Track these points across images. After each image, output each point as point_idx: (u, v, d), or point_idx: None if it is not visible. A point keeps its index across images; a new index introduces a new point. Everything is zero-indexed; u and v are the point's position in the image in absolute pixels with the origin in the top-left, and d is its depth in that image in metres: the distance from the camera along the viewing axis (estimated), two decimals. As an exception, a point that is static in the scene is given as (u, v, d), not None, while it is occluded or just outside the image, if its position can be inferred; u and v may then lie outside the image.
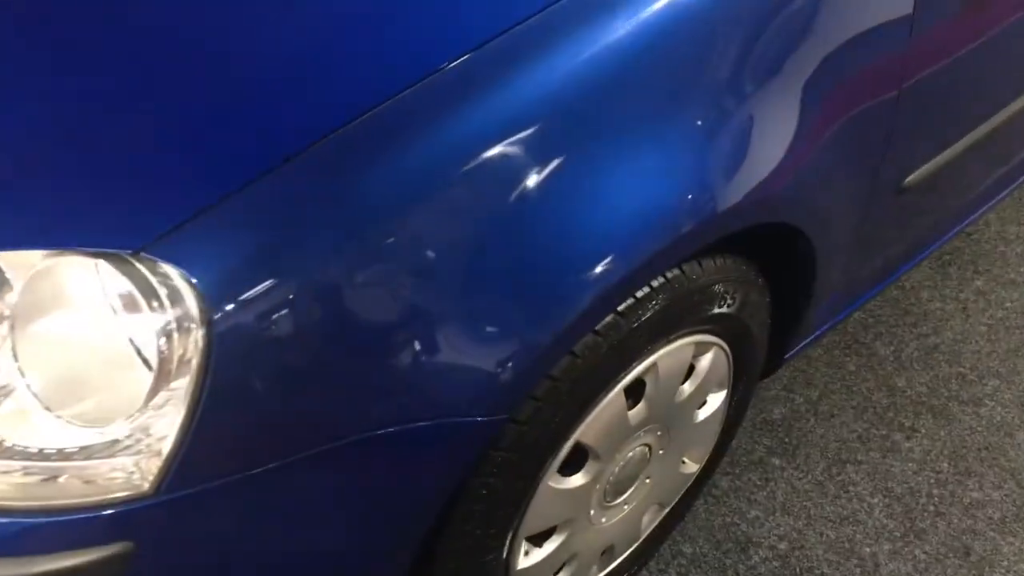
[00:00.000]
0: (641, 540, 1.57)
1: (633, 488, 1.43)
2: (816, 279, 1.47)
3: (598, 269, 1.06)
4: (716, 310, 1.31)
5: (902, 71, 1.36)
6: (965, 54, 1.45)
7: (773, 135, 1.23)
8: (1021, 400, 1.96)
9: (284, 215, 0.92)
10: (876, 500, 1.77)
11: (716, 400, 1.48)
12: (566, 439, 1.20)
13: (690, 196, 1.13)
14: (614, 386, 1.22)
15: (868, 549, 1.69)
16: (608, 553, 1.49)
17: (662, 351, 1.26)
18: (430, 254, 0.97)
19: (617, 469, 1.36)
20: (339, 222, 0.93)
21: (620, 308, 1.15)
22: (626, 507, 1.44)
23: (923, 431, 1.89)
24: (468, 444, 1.06)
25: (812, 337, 1.68)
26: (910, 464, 1.83)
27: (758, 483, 1.79)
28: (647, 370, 1.26)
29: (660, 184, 1.11)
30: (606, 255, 1.06)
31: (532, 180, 1.01)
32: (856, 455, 1.84)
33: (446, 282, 0.98)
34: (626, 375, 1.23)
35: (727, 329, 1.38)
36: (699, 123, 1.14)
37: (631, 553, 1.56)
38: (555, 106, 1.02)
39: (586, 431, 1.22)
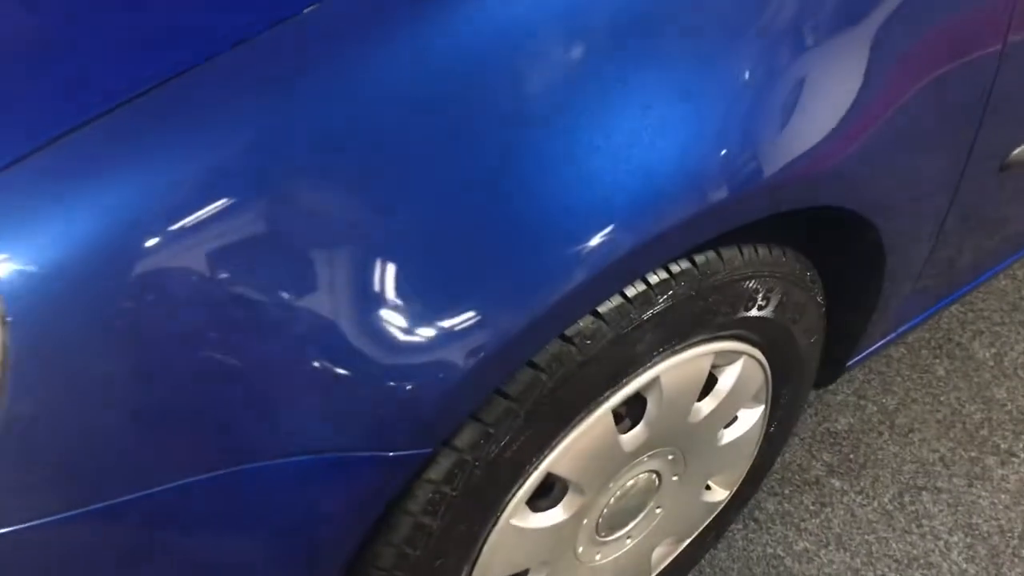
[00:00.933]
0: None
1: (638, 520, 1.18)
2: (885, 278, 1.17)
3: (577, 248, 0.80)
4: (745, 313, 1.04)
5: (1008, 19, 1.04)
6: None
7: (831, 96, 0.94)
8: None
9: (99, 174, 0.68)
10: (955, 539, 1.47)
11: (751, 417, 1.21)
12: (531, 470, 0.95)
13: (719, 158, 0.86)
14: (597, 407, 0.96)
15: (940, 600, 1.40)
16: (608, 593, 1.25)
17: (666, 363, 1.00)
18: (319, 224, 0.73)
19: (613, 500, 1.10)
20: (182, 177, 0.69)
21: (602, 310, 0.89)
22: (629, 541, 1.19)
23: (1022, 456, 1.57)
24: (381, 481, 0.82)
25: (883, 342, 1.38)
26: (1002, 496, 1.52)
27: (812, 508, 1.50)
28: (647, 386, 1.00)
29: (682, 137, 0.84)
30: (593, 226, 0.80)
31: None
32: (936, 481, 1.54)
33: (338, 264, 0.74)
34: (614, 394, 0.97)
35: (762, 335, 1.10)
36: (740, 73, 0.86)
37: (642, 592, 1.31)
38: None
39: (559, 461, 0.97)
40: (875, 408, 1.64)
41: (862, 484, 1.53)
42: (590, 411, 0.96)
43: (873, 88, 0.96)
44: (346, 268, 0.73)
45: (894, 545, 1.46)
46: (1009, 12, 1.03)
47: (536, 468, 0.96)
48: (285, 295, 0.72)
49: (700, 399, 1.10)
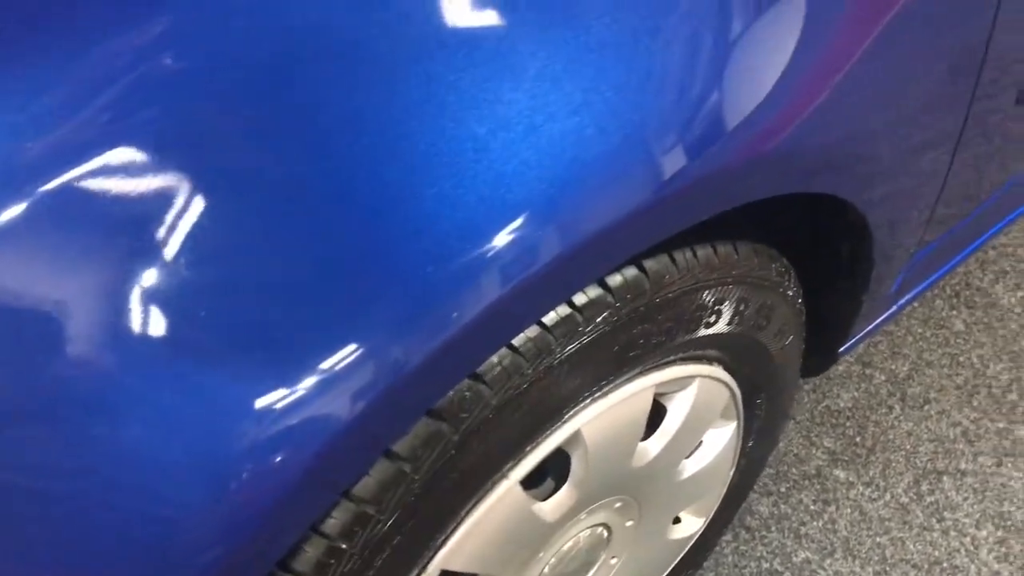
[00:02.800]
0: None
1: (590, 574, 0.96)
2: (875, 262, 0.93)
3: (459, 266, 0.57)
4: (689, 336, 0.80)
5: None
6: None
7: (780, 55, 0.69)
8: None
9: None
10: (984, 533, 1.24)
11: (720, 438, 0.98)
12: (420, 569, 0.74)
13: (634, 148, 0.62)
14: (498, 481, 0.74)
15: (968, 613, 1.18)
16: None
17: (588, 412, 0.77)
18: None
19: (547, 569, 0.89)
20: None
21: (481, 374, 0.66)
22: (581, 599, 0.98)
23: (1059, 423, 1.34)
24: None
25: (883, 318, 1.14)
26: (1039, 476, 1.29)
27: (813, 508, 1.28)
28: (567, 442, 0.77)
29: (586, 122, 0.60)
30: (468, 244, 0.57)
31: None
32: (958, 462, 1.31)
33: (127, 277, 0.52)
34: (519, 461, 0.74)
35: (719, 350, 0.87)
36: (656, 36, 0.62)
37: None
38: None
39: (456, 555, 0.75)
40: (883, 377, 1.41)
41: (871, 473, 1.31)
42: (492, 485, 0.74)
43: (834, 39, 0.72)
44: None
45: (911, 547, 1.24)
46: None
47: (427, 566, 0.74)
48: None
49: (646, 438, 0.87)
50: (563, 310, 0.69)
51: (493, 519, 0.75)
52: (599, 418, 0.78)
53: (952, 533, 1.25)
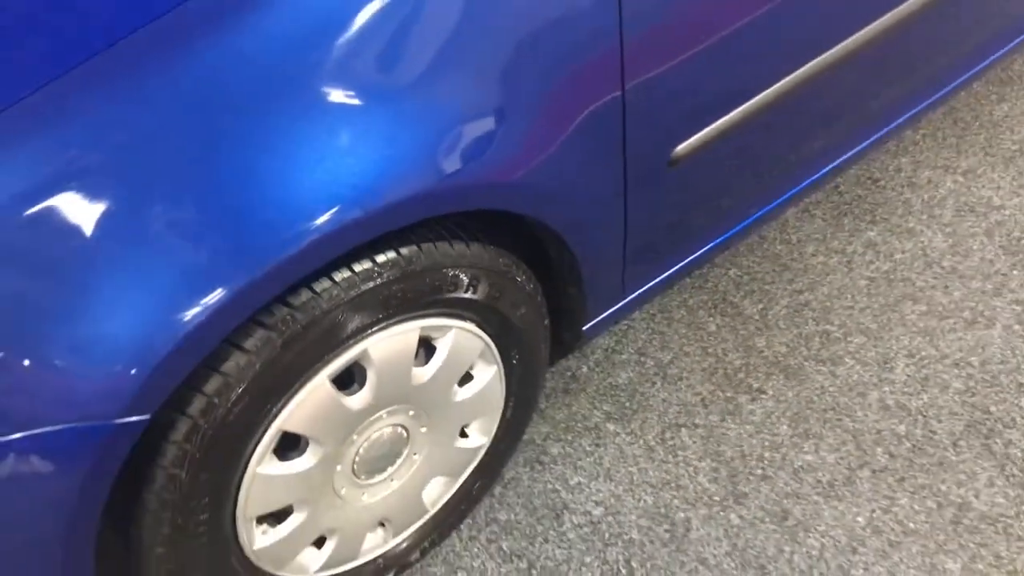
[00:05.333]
0: (435, 511, 1.61)
1: (397, 466, 1.48)
2: (581, 266, 1.46)
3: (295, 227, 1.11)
4: (448, 295, 1.33)
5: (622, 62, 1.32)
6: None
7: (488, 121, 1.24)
8: (884, 358, 1.91)
9: None
10: (703, 464, 1.77)
11: (485, 375, 1.50)
12: (262, 429, 1.26)
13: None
14: (313, 375, 1.26)
15: (682, 514, 1.70)
16: (387, 525, 1.55)
17: (374, 338, 1.30)
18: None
19: (361, 451, 1.40)
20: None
21: (292, 303, 1.19)
22: (394, 483, 1.49)
23: (770, 392, 1.87)
24: (112, 446, 1.11)
25: (618, 307, 1.67)
26: (747, 427, 1.82)
27: (588, 449, 1.81)
28: (362, 356, 1.30)
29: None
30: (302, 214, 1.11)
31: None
32: (694, 419, 1.84)
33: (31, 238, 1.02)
34: (326, 365, 1.27)
35: (469, 311, 1.40)
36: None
37: (424, 525, 1.61)
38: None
39: (290, 420, 1.27)
40: (652, 363, 1.94)
41: (632, 427, 1.84)
42: (305, 380, 1.26)
43: (524, 111, 1.26)
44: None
45: (651, 474, 1.76)
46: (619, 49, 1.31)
47: (269, 427, 1.26)
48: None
49: (425, 365, 1.40)
50: (346, 272, 1.22)
51: (313, 400, 1.27)
52: (381, 343, 1.30)
53: (681, 464, 1.77)
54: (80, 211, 1.03)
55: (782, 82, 1.55)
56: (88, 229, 1.03)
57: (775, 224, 2.20)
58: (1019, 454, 1.74)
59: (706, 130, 1.50)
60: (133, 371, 1.06)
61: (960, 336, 1.94)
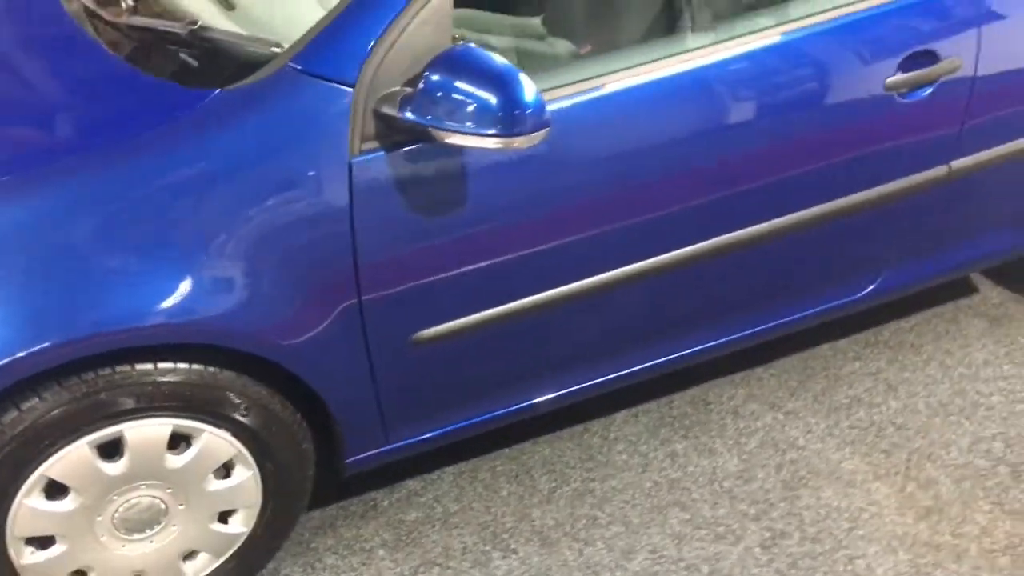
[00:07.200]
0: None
1: (156, 531, 1.90)
2: (331, 408, 1.89)
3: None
4: (213, 409, 1.78)
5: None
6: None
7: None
8: (630, 548, 2.21)
9: None
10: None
11: (240, 475, 1.92)
12: (31, 469, 1.72)
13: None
14: (76, 439, 1.72)
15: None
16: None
17: (130, 424, 1.75)
18: None
19: (121, 509, 1.84)
20: None
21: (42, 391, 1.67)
22: (152, 544, 1.91)
23: (521, 553, 2.20)
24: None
25: (383, 450, 2.07)
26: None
27: (355, 566, 2.18)
28: (117, 435, 1.76)
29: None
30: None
31: None
32: (449, 561, 2.19)
33: None
34: (86, 434, 1.73)
35: (231, 424, 1.83)
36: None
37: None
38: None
39: (53, 469, 1.73)
40: (441, 509, 2.32)
41: (397, 556, 2.20)
42: (72, 440, 1.72)
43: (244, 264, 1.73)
44: None
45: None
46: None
47: (36, 469, 1.72)
48: None
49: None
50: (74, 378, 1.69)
51: (73, 458, 1.73)
52: (135, 430, 1.76)
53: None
54: None
55: (520, 302, 1.97)
56: None
57: (603, 420, 2.55)
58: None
59: (445, 325, 1.93)
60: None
61: (704, 546, 2.23)
